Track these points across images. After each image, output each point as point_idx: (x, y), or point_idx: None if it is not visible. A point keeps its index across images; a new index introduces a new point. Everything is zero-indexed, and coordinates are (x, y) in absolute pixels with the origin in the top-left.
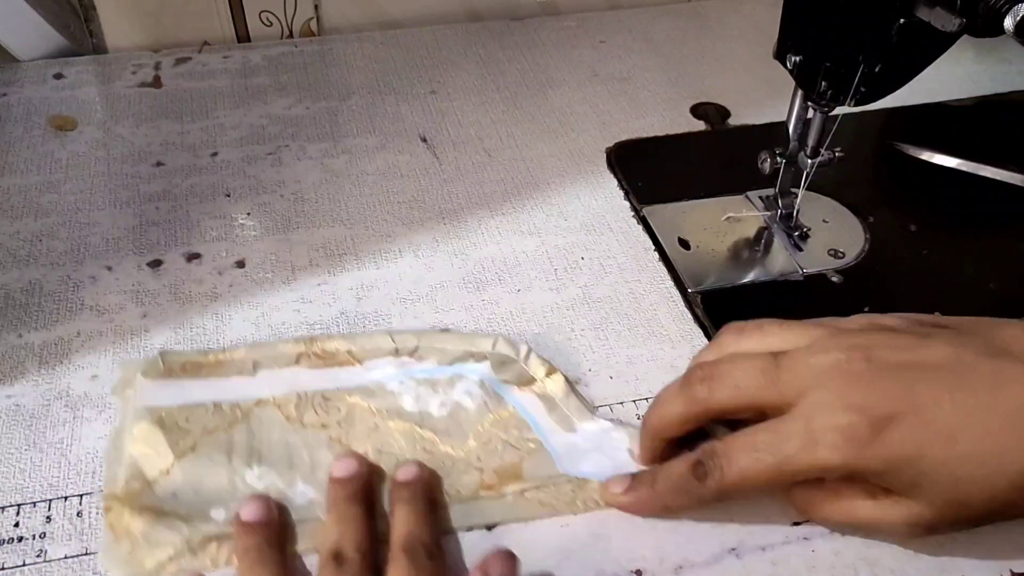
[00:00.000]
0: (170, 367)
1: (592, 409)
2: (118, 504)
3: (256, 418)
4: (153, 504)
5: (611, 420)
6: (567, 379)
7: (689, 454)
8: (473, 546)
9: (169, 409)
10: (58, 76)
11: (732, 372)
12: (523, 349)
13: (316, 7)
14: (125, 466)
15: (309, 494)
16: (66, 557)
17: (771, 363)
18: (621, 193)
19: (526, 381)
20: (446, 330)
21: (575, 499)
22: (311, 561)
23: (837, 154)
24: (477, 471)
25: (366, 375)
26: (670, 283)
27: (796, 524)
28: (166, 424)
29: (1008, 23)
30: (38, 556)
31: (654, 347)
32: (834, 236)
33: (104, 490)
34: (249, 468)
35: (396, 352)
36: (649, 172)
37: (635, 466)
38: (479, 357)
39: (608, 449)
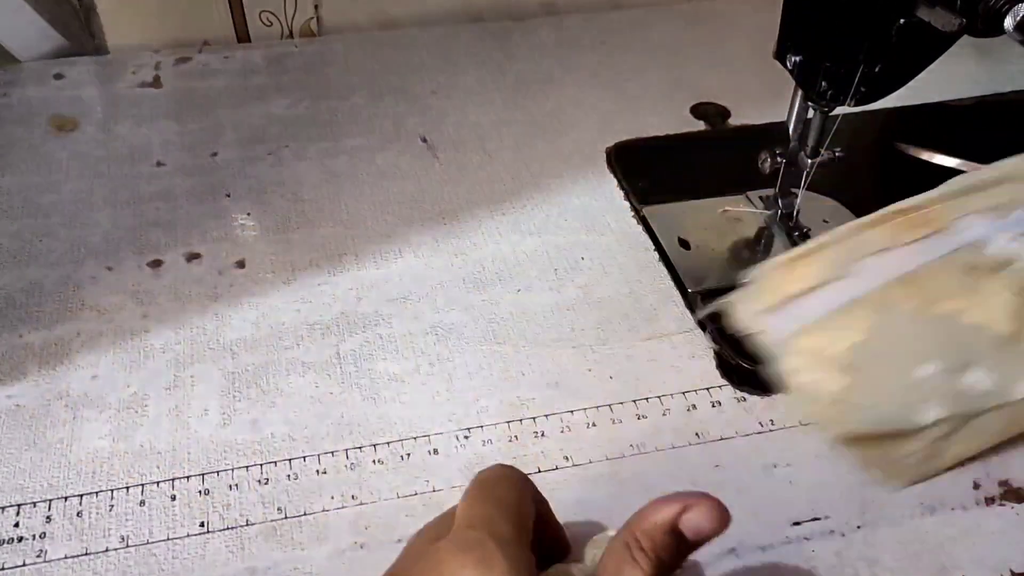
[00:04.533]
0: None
1: None
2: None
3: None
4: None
5: None
6: None
7: None
8: None
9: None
10: (58, 76)
11: None
12: None
13: (316, 7)
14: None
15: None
16: (66, 557)
17: None
18: (621, 193)
19: None
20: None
21: None
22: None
23: (837, 154)
24: None
25: (955, 238)
26: (670, 283)
27: (796, 524)
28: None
29: (1008, 23)
30: (38, 556)
31: (654, 347)
32: None
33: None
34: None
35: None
36: (649, 172)
37: None
38: None
39: None
